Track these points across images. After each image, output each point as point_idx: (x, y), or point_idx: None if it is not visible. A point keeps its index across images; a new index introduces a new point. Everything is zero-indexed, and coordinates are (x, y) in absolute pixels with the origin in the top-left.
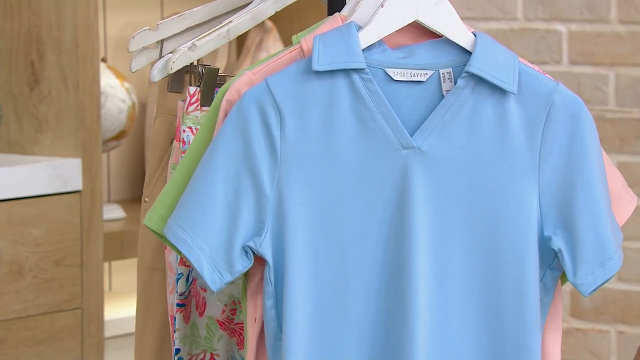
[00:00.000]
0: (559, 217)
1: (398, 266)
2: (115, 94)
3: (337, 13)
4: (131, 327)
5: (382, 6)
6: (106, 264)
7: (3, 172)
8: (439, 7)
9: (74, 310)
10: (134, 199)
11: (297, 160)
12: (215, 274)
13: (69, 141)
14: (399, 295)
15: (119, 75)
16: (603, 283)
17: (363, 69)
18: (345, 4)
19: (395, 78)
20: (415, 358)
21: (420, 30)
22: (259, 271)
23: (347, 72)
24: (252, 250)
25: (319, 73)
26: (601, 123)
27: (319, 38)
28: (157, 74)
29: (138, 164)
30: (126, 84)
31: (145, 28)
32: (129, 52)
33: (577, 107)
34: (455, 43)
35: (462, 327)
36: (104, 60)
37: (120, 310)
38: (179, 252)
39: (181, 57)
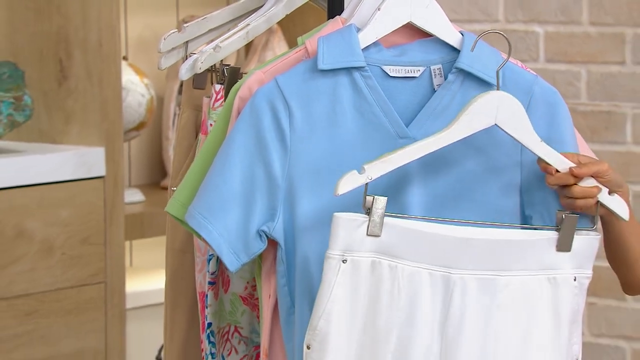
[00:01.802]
0: (539, 196)
1: None
2: (136, 89)
3: (337, 16)
4: (150, 300)
5: (379, 9)
6: (127, 243)
7: (35, 160)
8: (429, 10)
9: (98, 284)
10: (152, 184)
11: (305, 150)
12: (233, 256)
13: (94, 132)
14: None
15: (138, 72)
16: None
17: (363, 67)
18: (343, 8)
19: (391, 74)
20: None
21: (412, 31)
22: (271, 253)
23: (348, 70)
24: (265, 234)
25: (323, 71)
26: (574, 115)
27: (323, 40)
28: (185, 73)
29: (156, 152)
30: (145, 80)
31: (173, 31)
32: (159, 52)
33: (553, 97)
34: (443, 41)
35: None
36: (125, 58)
37: (140, 284)
38: (199, 236)
39: (208, 58)
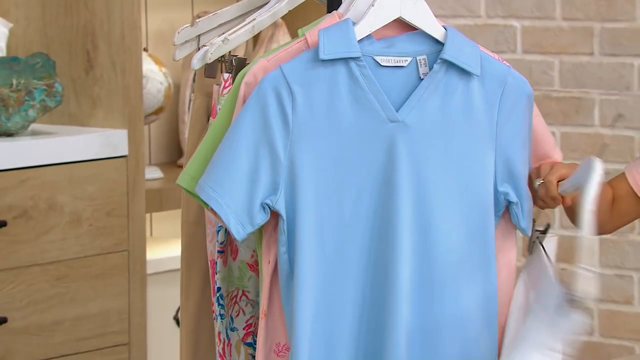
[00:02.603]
0: (508, 175)
1: (387, 216)
2: (155, 77)
3: (334, 11)
4: (168, 266)
5: (373, 5)
6: (147, 215)
7: (65, 141)
8: (417, 6)
9: (122, 252)
10: (170, 162)
11: (306, 131)
12: (239, 226)
13: (118, 115)
14: (387, 241)
15: (157, 61)
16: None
17: (358, 57)
18: (341, 3)
19: (382, 64)
20: (399, 286)
21: (400, 24)
22: (271, 224)
23: (346, 60)
24: (268, 207)
25: (324, 61)
26: (548, 101)
27: (323, 32)
28: (197, 63)
29: (173, 133)
30: (163, 69)
31: (186, 25)
32: (174, 45)
33: (523, 86)
34: (428, 35)
35: (438, 260)
36: (145, 49)
37: (160, 252)
38: (208, 207)
39: (217, 49)
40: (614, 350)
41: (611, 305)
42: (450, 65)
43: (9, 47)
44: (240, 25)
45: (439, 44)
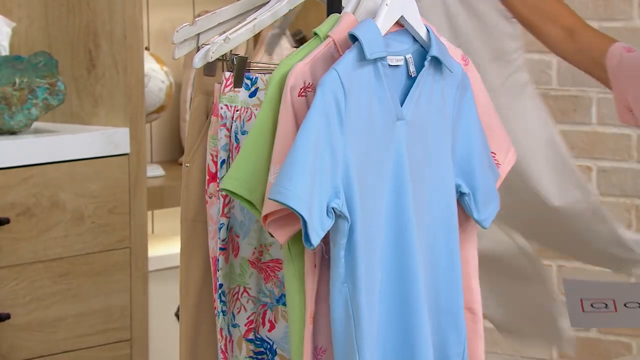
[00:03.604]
0: (461, 168)
1: (400, 210)
2: (156, 76)
3: (346, 11)
4: (169, 263)
5: (387, 5)
6: (149, 212)
7: (67, 139)
8: (412, 6)
9: (123, 249)
10: (171, 160)
11: (352, 132)
12: (314, 232)
13: (119, 114)
14: (401, 229)
15: (159, 60)
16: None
17: (384, 57)
18: (341, 3)
19: (391, 64)
20: (415, 256)
21: None
22: None
23: (374, 60)
24: (334, 210)
25: (363, 61)
26: (546, 99)
27: (360, 33)
28: (198, 62)
29: (174, 132)
30: (165, 68)
31: (186, 24)
32: (173, 43)
33: (468, 82)
34: (408, 33)
35: (420, 240)
36: (147, 48)
37: (161, 249)
38: (258, 215)
39: (218, 48)
40: (612, 346)
41: None
42: (433, 63)
43: (11, 46)
44: (241, 25)
45: (417, 42)
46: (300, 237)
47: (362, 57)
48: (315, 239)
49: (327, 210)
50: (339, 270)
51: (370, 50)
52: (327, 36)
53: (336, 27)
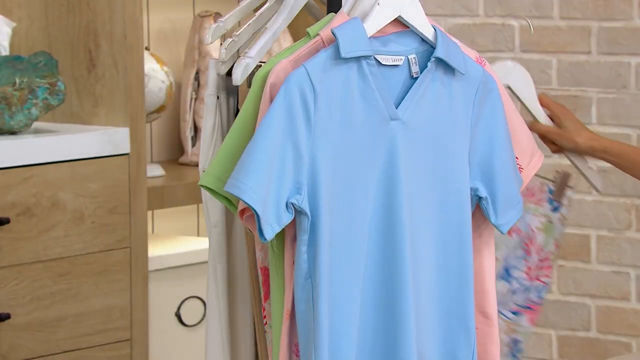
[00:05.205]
0: (480, 171)
1: (390, 210)
2: (157, 76)
3: (342, 11)
4: (170, 263)
5: (378, 4)
6: (149, 212)
7: (67, 139)
8: (413, 6)
9: (124, 249)
10: (171, 160)
11: (324, 130)
12: (268, 226)
13: (119, 114)
14: (391, 230)
15: (159, 60)
16: (515, 221)
17: (370, 56)
18: (341, 4)
19: (383, 63)
20: (405, 259)
21: (389, 24)
22: (292, 224)
23: (358, 58)
24: (293, 206)
25: (340, 59)
26: None
27: (339, 31)
28: (240, 79)
29: (174, 131)
30: (165, 68)
31: (231, 39)
32: (221, 62)
33: (493, 84)
34: (415, 34)
35: (428, 243)
36: (147, 48)
37: (161, 249)
38: (232, 207)
39: (245, 69)
40: (611, 346)
41: (608, 302)
42: (442, 64)
43: (12, 46)
44: (262, 36)
45: (425, 43)
46: (282, 234)
47: (338, 56)
48: (269, 232)
49: (286, 205)
50: (301, 266)
51: (346, 49)
52: (317, 34)
53: (327, 26)
